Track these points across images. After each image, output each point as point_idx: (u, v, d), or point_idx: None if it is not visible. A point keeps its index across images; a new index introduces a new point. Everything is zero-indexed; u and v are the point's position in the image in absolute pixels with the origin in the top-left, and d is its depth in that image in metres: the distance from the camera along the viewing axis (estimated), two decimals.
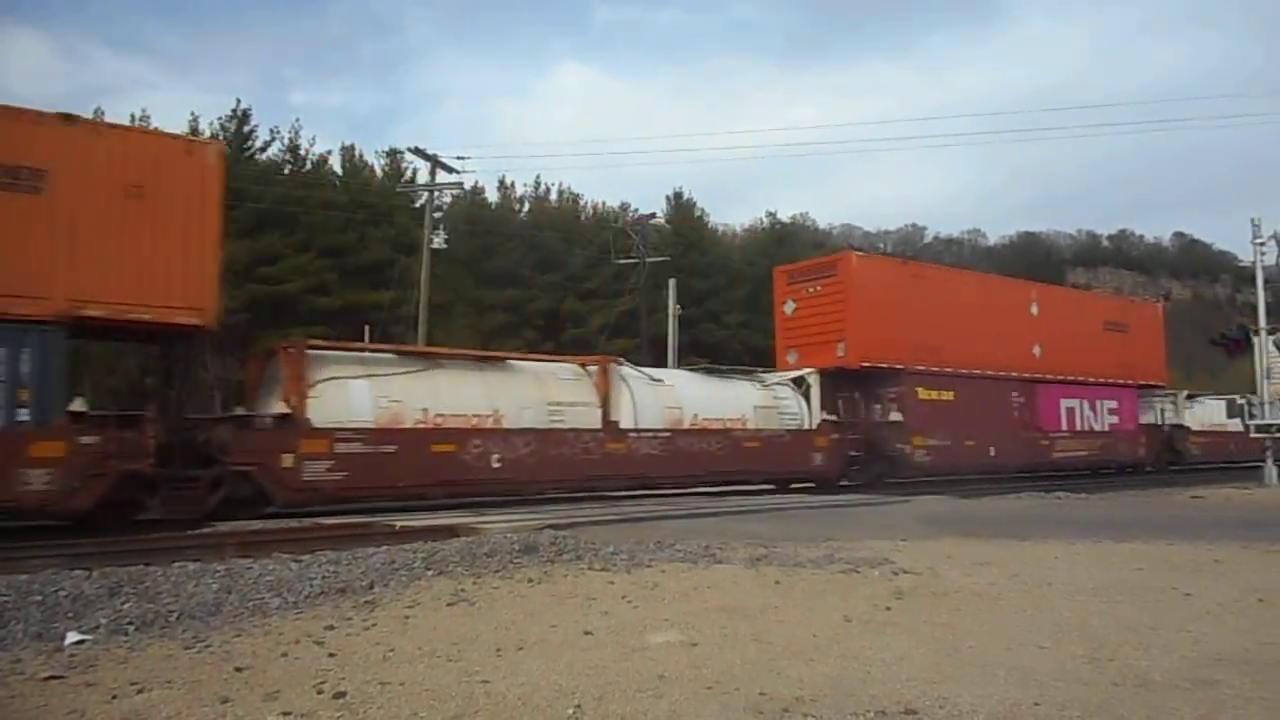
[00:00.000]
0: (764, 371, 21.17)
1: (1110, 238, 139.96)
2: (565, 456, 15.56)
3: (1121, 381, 27.03)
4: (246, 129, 41.43)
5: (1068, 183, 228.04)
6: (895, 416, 21.07)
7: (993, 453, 22.59)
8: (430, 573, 7.51)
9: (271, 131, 42.21)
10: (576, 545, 8.84)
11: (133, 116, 40.96)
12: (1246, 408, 24.55)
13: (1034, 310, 24.95)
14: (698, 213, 53.95)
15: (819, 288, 21.73)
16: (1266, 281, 24.80)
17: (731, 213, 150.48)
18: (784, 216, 68.32)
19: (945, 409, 21.73)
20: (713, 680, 4.34)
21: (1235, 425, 32.43)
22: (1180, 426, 29.82)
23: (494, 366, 16.25)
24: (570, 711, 3.91)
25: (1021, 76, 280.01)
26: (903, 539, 9.69)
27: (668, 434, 17.19)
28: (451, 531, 10.21)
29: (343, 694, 4.18)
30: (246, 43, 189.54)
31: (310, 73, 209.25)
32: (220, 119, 41.35)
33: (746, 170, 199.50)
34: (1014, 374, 23.75)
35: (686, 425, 17.64)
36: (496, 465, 14.62)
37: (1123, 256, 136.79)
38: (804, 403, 19.96)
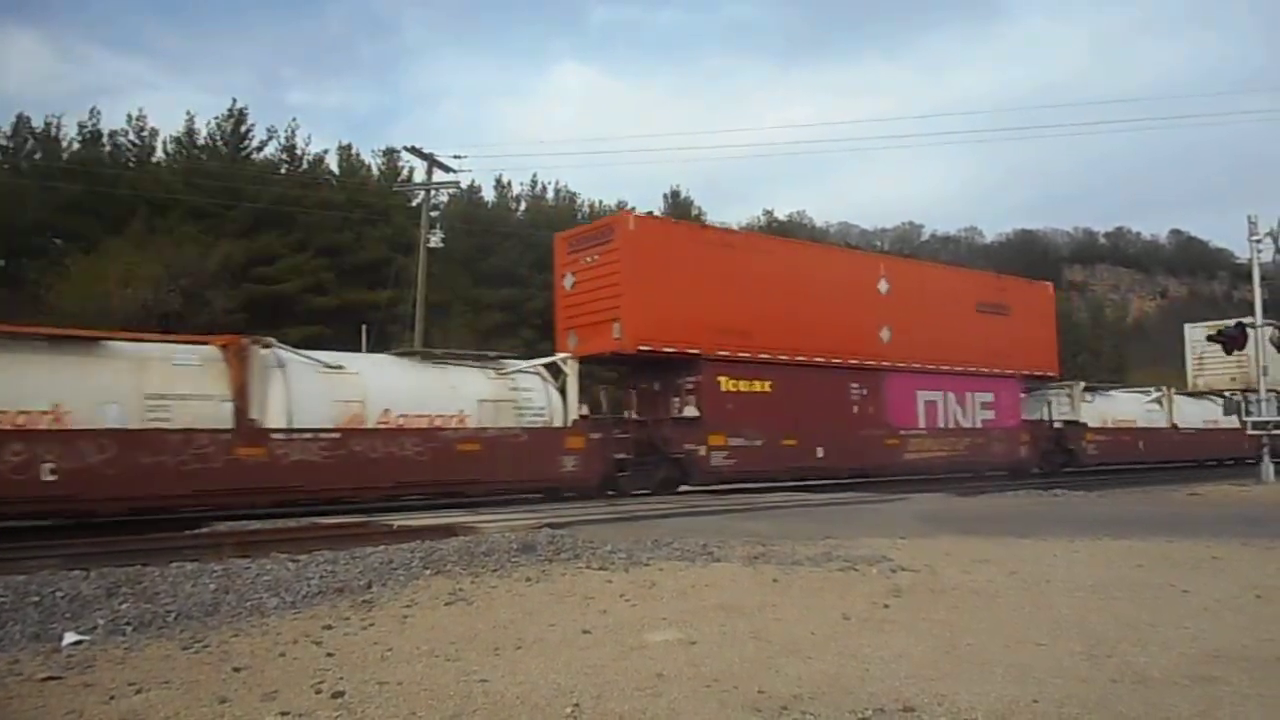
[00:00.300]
0: (507, 357, 17.53)
1: (1107, 235, 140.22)
2: (168, 467, 11.94)
3: (1000, 371, 24.00)
4: (243, 128, 41.41)
5: (1065, 181, 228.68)
6: (690, 411, 17.94)
7: (821, 454, 19.59)
8: (428, 572, 7.50)
9: (268, 131, 42.23)
10: (574, 544, 8.84)
11: (129, 116, 41.03)
12: (1243, 404, 24.45)
13: (883, 288, 21.55)
14: (695, 211, 54.01)
15: (595, 257, 18.37)
16: (1263, 278, 24.80)
17: (729, 211, 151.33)
18: (781, 215, 68.57)
19: (758, 403, 18.66)
20: (711, 678, 4.34)
21: (1148, 421, 29.24)
22: (1075, 423, 26.31)
23: (71, 348, 12.34)
24: (569, 710, 3.90)
25: (1021, 76, 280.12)
26: (901, 536, 9.69)
27: (336, 435, 13.36)
28: (449, 531, 10.22)
29: (341, 694, 4.17)
30: (245, 43, 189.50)
31: (308, 73, 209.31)
32: (217, 118, 41.36)
33: (744, 169, 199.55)
34: (854, 362, 20.61)
35: (372, 424, 13.94)
36: (50, 479, 11.11)
37: (1120, 254, 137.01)
38: (556, 395, 16.48)
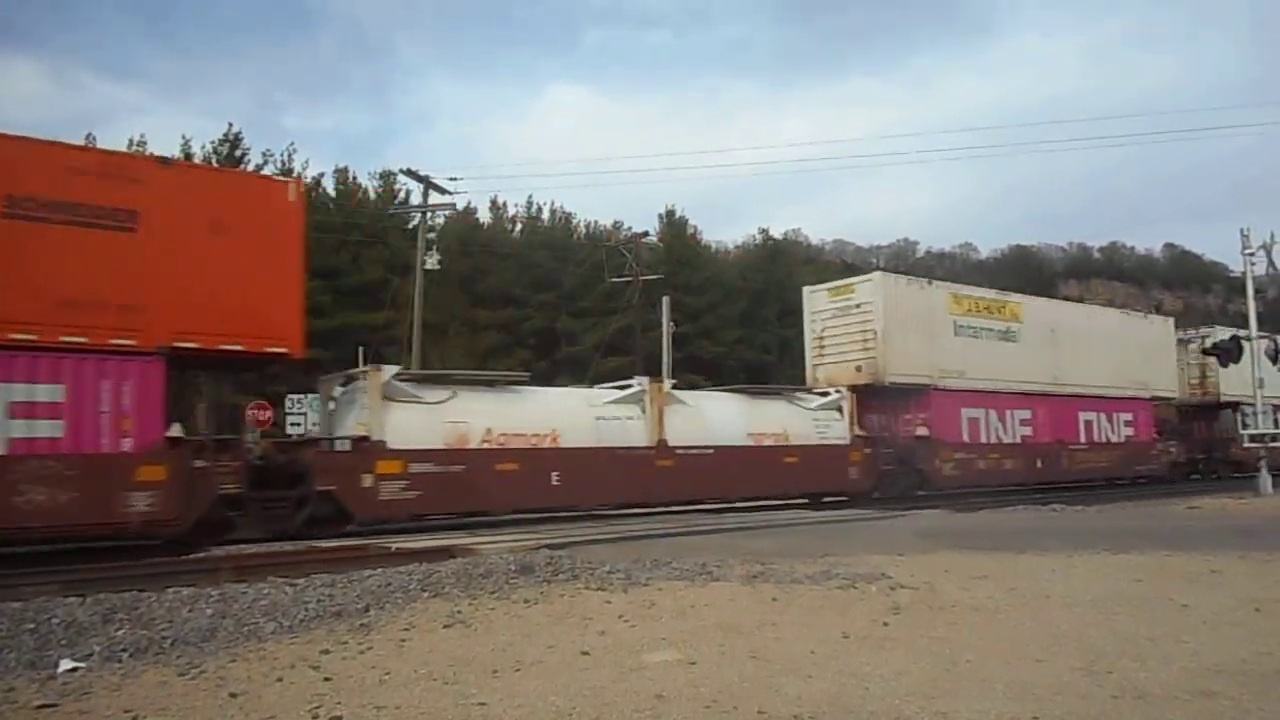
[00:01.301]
0: None
1: (1102, 250, 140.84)
2: None
3: (87, 343, 11.72)
4: (239, 153, 41.59)
5: (1059, 197, 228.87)
6: None
7: None
8: (426, 594, 7.48)
9: (264, 155, 42.38)
10: (573, 565, 8.81)
11: (130, 141, 41.17)
12: (1241, 419, 24.35)
13: None
14: (690, 230, 54.18)
15: None
16: (1257, 291, 24.91)
17: (724, 230, 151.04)
18: (776, 233, 68.74)
19: None
20: (711, 699, 4.32)
21: (598, 436, 16.85)
22: (363, 441, 14.23)
23: None
24: None
25: (1014, 91, 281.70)
26: (900, 553, 9.67)
27: None
28: (447, 552, 10.17)
29: (338, 718, 4.16)
30: (238, 67, 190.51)
31: (302, 96, 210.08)
32: (213, 143, 41.56)
33: (739, 187, 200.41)
34: None
35: None
36: None
37: (1114, 269, 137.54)
38: None
